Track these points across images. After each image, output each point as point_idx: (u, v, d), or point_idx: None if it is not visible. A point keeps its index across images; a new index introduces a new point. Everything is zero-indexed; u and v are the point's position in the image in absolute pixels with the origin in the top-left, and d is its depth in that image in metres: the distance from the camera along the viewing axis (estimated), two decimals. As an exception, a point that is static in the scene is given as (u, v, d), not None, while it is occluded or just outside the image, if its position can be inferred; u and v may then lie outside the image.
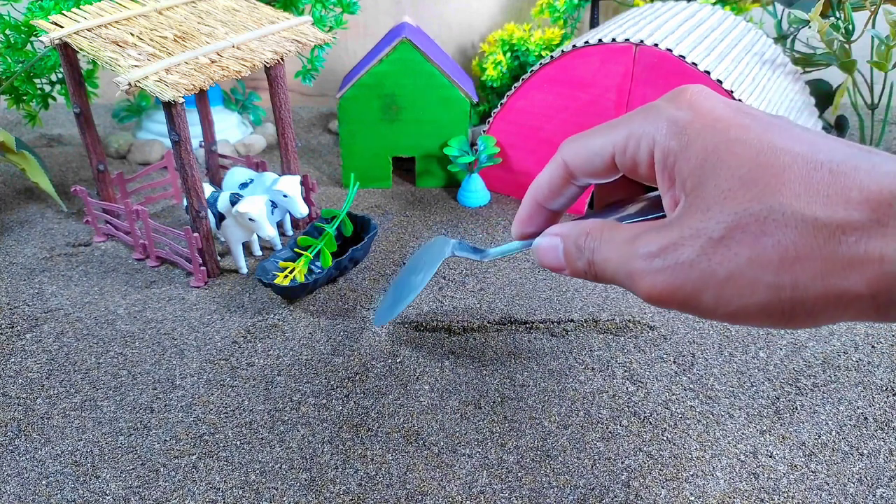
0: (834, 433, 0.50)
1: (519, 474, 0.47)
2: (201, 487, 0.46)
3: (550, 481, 0.46)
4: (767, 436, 0.50)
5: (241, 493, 0.45)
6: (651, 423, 0.51)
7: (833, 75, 0.92)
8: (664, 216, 0.29)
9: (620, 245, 0.29)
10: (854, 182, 0.23)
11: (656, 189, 0.31)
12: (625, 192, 0.35)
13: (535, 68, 0.77)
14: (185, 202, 0.68)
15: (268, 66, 0.67)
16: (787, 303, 0.24)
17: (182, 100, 0.59)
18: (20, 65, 0.77)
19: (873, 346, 0.60)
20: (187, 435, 0.50)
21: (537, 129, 0.80)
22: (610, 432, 0.50)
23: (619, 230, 0.29)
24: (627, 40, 0.70)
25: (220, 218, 0.68)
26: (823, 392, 0.54)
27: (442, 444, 0.49)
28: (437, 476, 0.47)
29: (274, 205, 0.69)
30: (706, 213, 0.25)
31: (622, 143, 0.29)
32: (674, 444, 0.49)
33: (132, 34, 0.62)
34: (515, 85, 0.80)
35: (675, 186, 0.27)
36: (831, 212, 0.23)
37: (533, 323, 0.62)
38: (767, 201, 0.24)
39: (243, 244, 0.70)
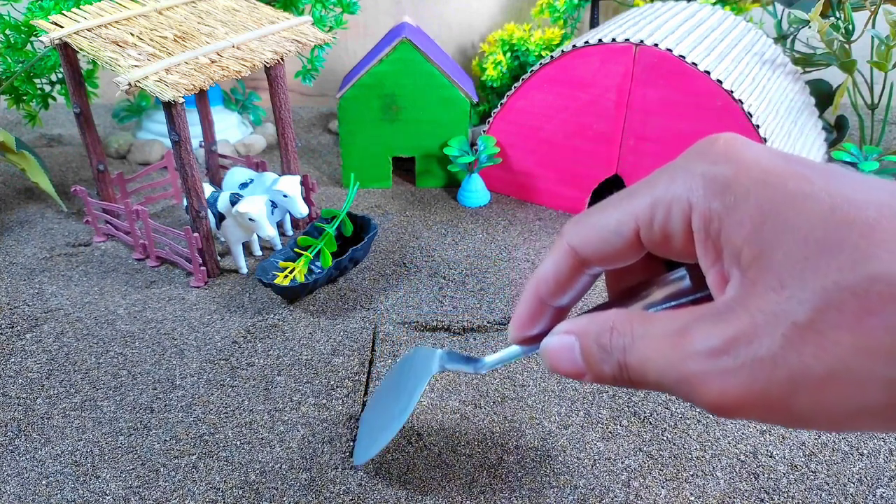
0: (834, 433, 0.50)
1: (519, 474, 0.47)
2: (201, 487, 0.46)
3: (550, 481, 0.46)
4: (767, 436, 0.50)
5: (241, 493, 0.45)
6: (651, 423, 0.51)
7: (833, 75, 0.92)
8: (703, 297, 0.24)
9: (663, 341, 0.23)
10: None
11: (681, 266, 0.26)
12: (643, 273, 0.29)
13: (535, 68, 0.77)
14: (185, 202, 0.68)
15: (268, 66, 0.67)
16: None
17: (182, 100, 0.59)
18: (20, 65, 0.77)
19: (873, 346, 0.60)
20: (187, 435, 0.50)
21: (537, 129, 0.80)
22: (610, 432, 0.50)
23: (655, 322, 0.23)
24: (627, 40, 0.70)
25: (220, 218, 0.68)
26: (823, 392, 0.54)
27: (442, 444, 0.49)
28: (437, 476, 0.47)
29: (274, 205, 0.69)
30: (781, 291, 0.20)
31: (646, 213, 0.24)
32: (674, 444, 0.49)
33: (132, 34, 0.62)
34: (515, 85, 0.80)
35: (724, 258, 0.22)
36: None
37: (533, 323, 0.62)
38: (863, 269, 0.19)
39: (243, 244, 0.70)
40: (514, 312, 0.30)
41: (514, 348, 0.32)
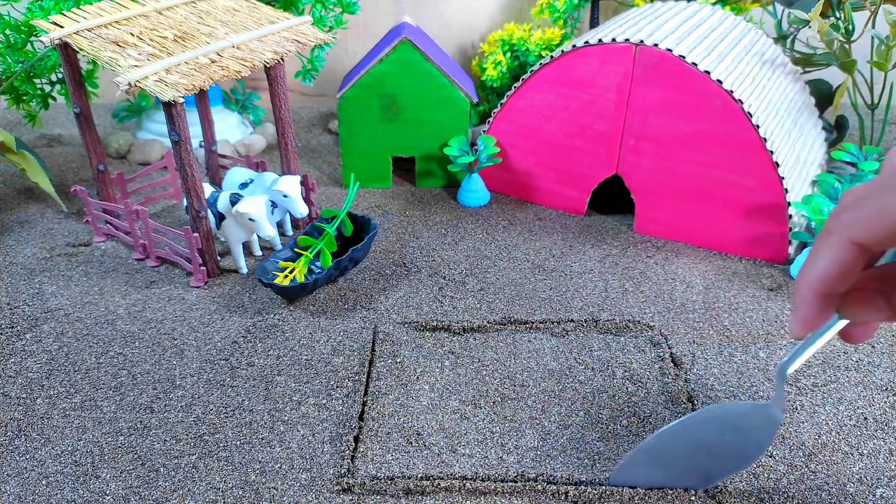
0: (834, 433, 0.50)
1: (518, 474, 0.47)
2: (201, 487, 0.46)
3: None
4: (767, 436, 0.50)
5: (241, 493, 0.45)
6: (651, 423, 0.51)
7: (833, 75, 0.92)
8: None
9: None
10: None
11: None
12: None
13: (535, 68, 0.77)
14: (185, 202, 0.68)
15: (268, 66, 0.67)
16: None
17: (182, 100, 0.59)
18: (20, 65, 0.77)
19: (873, 346, 0.60)
20: (187, 435, 0.50)
21: (537, 129, 0.80)
22: (610, 432, 0.50)
23: None
24: (627, 40, 0.70)
25: (220, 218, 0.68)
26: (823, 392, 0.54)
27: (442, 444, 0.49)
28: (437, 476, 0.47)
29: (274, 205, 0.69)
30: None
31: None
32: (674, 444, 0.49)
33: (132, 34, 0.62)
34: (515, 85, 0.80)
35: None
36: None
37: (533, 323, 0.62)
38: None
39: (243, 244, 0.70)
40: (794, 315, 0.32)
41: (810, 343, 0.35)
